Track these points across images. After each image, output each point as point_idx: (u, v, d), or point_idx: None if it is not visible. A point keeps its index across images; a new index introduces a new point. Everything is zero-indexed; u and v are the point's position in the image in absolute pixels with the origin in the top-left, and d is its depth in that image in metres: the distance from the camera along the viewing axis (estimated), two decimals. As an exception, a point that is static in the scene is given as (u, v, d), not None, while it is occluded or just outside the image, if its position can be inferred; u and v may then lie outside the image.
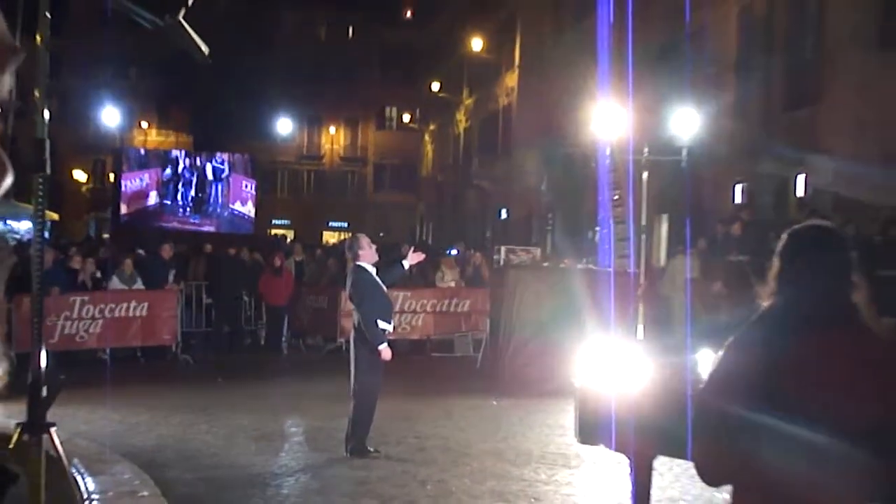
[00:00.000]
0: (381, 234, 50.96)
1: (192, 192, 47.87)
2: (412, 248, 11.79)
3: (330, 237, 61.60)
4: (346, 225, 63.61)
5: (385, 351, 10.32)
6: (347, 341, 12.15)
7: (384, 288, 10.69)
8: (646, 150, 20.05)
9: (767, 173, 23.25)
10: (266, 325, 21.55)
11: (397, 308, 17.97)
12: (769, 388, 3.25)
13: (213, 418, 12.84)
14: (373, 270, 10.57)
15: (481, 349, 18.67)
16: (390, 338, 10.87)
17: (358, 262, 10.57)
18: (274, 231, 56.82)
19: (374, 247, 10.79)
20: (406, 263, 11.17)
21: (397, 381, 12.50)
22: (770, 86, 23.86)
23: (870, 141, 19.55)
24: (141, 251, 22.22)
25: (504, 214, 46.40)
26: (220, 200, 48.01)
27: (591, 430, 6.81)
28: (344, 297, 16.39)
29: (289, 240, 40.93)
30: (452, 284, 21.25)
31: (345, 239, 35.77)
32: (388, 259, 12.87)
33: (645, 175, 19.75)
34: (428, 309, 20.39)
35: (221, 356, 19.68)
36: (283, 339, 21.13)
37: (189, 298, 20.54)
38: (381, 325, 10.40)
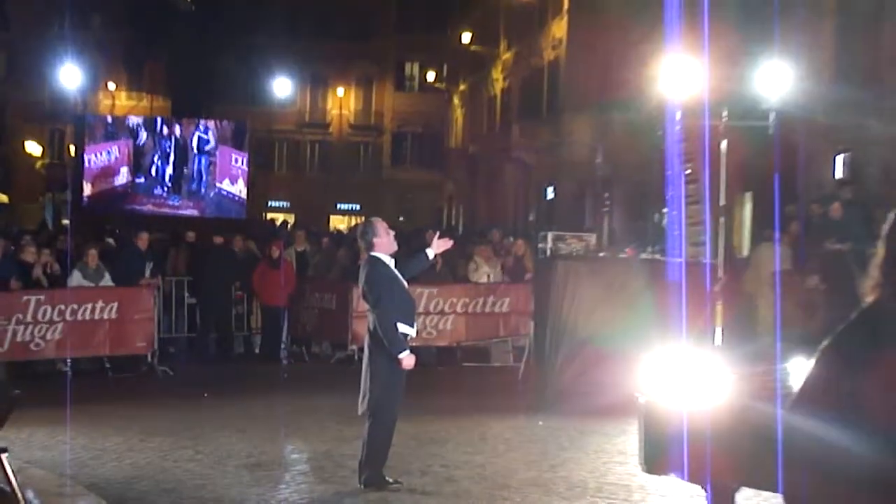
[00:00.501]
0: (401, 219, 51.17)
1: (171, 169, 47.98)
2: (438, 235, 11.76)
3: (338, 222, 61.85)
4: (357, 207, 63.87)
5: (407, 360, 10.31)
6: (361, 349, 12.20)
7: (405, 284, 10.68)
8: (725, 113, 19.96)
9: (874, 141, 23.11)
10: (262, 329, 21.63)
11: (421, 308, 18.00)
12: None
13: (198, 442, 12.89)
14: (391, 262, 10.57)
15: (523, 358, 18.66)
16: (413, 344, 10.86)
17: (372, 253, 10.57)
18: (271, 215, 57.00)
19: (391, 234, 10.78)
20: (431, 253, 11.15)
21: (421, 396, 12.52)
22: (879, 34, 23.68)
23: None
24: (110, 240, 22.32)
25: (551, 194, 46.38)
26: (204, 178, 48.12)
27: (658, 456, 6.82)
28: (356, 296, 16.43)
29: (289, 226, 41.05)
30: (488, 279, 21.25)
31: (357, 224, 35.86)
32: (410, 249, 12.91)
33: (724, 144, 19.67)
34: (458, 309, 20.40)
35: (207, 367, 19.77)
36: (283, 346, 21.21)
37: (168, 297, 20.64)
38: (402, 328, 10.40)
